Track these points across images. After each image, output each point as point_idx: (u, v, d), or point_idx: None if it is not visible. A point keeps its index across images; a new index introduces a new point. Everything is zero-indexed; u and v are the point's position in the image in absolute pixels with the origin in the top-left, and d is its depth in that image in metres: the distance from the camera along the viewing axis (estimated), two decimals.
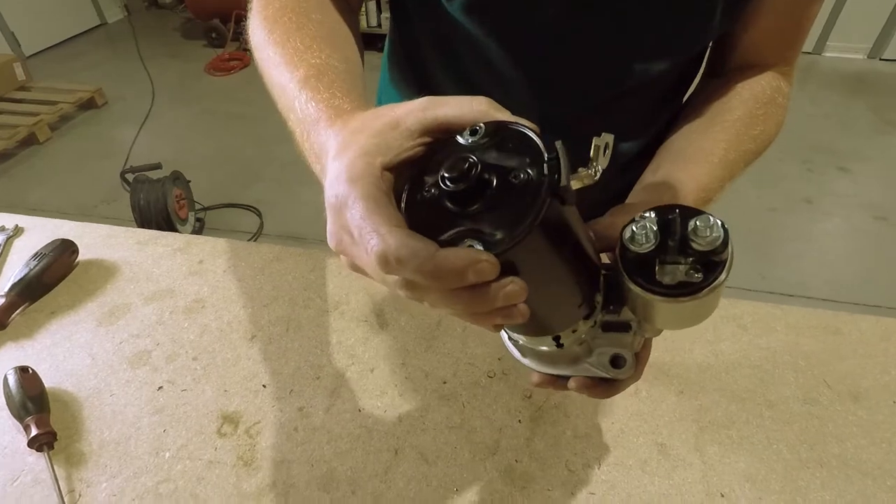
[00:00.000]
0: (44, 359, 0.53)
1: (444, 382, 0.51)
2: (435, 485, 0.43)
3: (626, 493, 0.42)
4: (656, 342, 0.53)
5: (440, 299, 0.23)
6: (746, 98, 0.46)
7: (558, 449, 0.46)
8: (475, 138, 0.23)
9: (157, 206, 1.97)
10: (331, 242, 0.25)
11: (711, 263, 0.25)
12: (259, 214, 2.30)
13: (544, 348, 0.31)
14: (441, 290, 0.22)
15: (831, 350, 0.53)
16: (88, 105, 3.17)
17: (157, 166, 2.08)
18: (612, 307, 0.30)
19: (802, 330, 0.55)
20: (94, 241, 0.68)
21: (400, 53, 0.54)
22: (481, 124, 0.24)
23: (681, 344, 0.54)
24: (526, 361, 0.35)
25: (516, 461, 0.45)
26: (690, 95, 0.51)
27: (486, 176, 0.22)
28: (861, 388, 0.49)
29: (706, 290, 0.25)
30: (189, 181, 2.18)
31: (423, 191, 0.23)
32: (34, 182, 2.58)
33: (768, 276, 1.94)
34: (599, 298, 0.29)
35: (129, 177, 2.09)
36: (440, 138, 0.25)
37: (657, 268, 0.26)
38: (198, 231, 2.18)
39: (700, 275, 0.25)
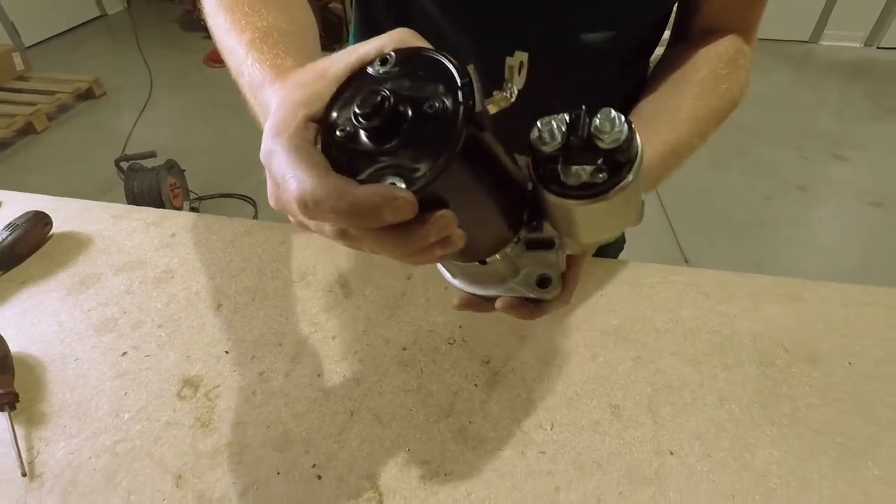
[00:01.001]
0: (11, 325, 0.54)
1: (404, 349, 0.51)
2: (388, 445, 0.44)
3: (575, 453, 0.43)
4: (616, 308, 0.54)
5: (374, 242, 0.23)
6: (711, 57, 0.46)
7: (513, 411, 0.46)
8: (386, 68, 0.23)
9: (151, 194, 1.98)
10: (270, 201, 0.25)
11: (616, 163, 0.24)
12: (254, 204, 2.30)
13: (471, 266, 0.32)
14: (370, 232, 0.22)
15: (792, 315, 0.53)
16: (87, 95, 3.18)
17: (152, 154, 2.08)
18: (534, 223, 0.30)
19: (764, 297, 0.55)
20: (70, 214, 0.69)
21: (360, 19, 0.55)
22: (391, 52, 0.23)
23: (641, 311, 0.54)
24: (456, 282, 0.35)
25: (470, 422, 0.45)
26: (658, 62, 0.52)
27: (401, 108, 0.22)
28: (818, 352, 0.49)
29: (613, 190, 0.24)
30: (184, 170, 2.18)
31: (338, 130, 0.23)
32: (30, 171, 2.59)
33: (763, 263, 1.93)
34: (525, 217, 0.29)
35: (124, 165, 2.10)
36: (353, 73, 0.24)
37: (562, 169, 0.25)
38: None
39: (604, 174, 0.24)
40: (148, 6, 4.61)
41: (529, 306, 0.34)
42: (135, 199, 2.01)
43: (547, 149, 0.25)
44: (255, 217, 2.22)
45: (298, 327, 0.54)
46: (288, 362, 0.50)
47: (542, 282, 0.32)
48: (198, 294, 0.57)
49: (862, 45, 3.38)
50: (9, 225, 0.61)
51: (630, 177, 0.24)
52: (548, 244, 0.30)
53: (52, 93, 3.01)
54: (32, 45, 3.84)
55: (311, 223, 0.24)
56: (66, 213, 0.68)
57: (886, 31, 3.26)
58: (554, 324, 0.53)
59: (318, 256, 0.61)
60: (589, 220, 0.27)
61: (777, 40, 3.42)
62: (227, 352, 0.51)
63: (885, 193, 2.21)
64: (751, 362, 0.49)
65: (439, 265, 0.35)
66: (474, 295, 0.36)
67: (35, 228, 0.63)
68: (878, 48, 3.34)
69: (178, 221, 0.67)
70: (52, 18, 3.96)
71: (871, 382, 0.47)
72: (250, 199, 2.33)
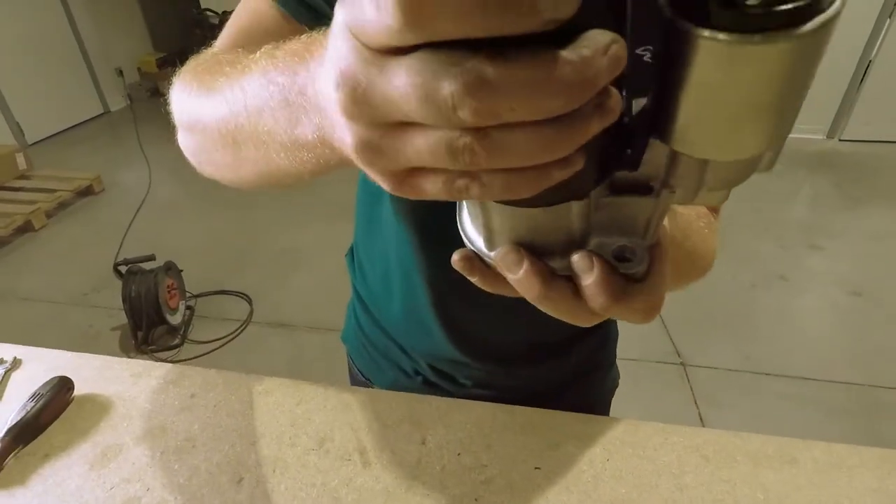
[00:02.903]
0: None
1: None
2: None
3: None
4: (623, 475, 0.56)
5: (523, 99, 0.14)
6: (690, 214, 0.42)
7: None
8: None
9: (149, 297, 2.00)
10: (339, 84, 0.16)
11: None
12: (249, 301, 2.33)
13: (531, 216, 0.21)
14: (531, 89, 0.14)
15: (788, 482, 0.56)
16: (86, 192, 3.27)
17: (151, 258, 2.13)
18: (630, 154, 0.19)
19: (761, 460, 0.58)
20: (90, 373, 0.71)
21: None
22: None
23: (647, 478, 0.57)
24: (488, 251, 0.24)
25: None
26: None
27: None
28: None
29: (820, 18, 0.14)
30: (181, 270, 2.22)
31: None
32: (26, 270, 2.61)
33: (752, 355, 1.98)
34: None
35: (123, 269, 2.13)
36: None
37: None
38: (188, 320, 2.20)
39: None
40: (149, 102, 4.85)
41: (619, 281, 0.22)
42: (131, 302, 2.02)
43: None
44: (251, 314, 2.24)
45: (320, 503, 0.55)
46: None
47: (622, 255, 0.22)
48: (219, 466, 0.59)
49: (825, 138, 3.64)
50: (34, 395, 0.64)
51: (836, 4, 0.14)
52: (644, 187, 0.20)
53: (53, 191, 3.09)
54: (36, 143, 3.98)
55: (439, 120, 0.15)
56: (86, 373, 0.71)
57: (846, 125, 3.53)
58: (563, 490, 0.56)
59: (335, 419, 0.64)
60: (743, 98, 0.15)
61: None
62: None
63: (863, 283, 2.31)
64: None
65: (467, 224, 0.25)
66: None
67: (59, 396, 0.65)
68: (839, 140, 3.60)
69: (196, 380, 0.70)
70: (56, 116, 4.14)
71: None
72: (245, 295, 2.35)
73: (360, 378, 0.75)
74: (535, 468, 0.58)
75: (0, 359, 0.73)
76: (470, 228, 0.25)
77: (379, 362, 0.71)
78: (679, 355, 1.96)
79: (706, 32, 0.14)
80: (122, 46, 4.65)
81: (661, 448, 0.60)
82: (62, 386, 0.66)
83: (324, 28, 0.22)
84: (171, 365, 0.72)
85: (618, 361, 0.76)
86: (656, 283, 0.23)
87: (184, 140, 0.37)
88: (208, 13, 3.98)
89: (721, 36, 0.14)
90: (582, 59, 0.14)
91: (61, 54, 4.17)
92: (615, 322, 0.71)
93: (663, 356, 1.96)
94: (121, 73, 4.59)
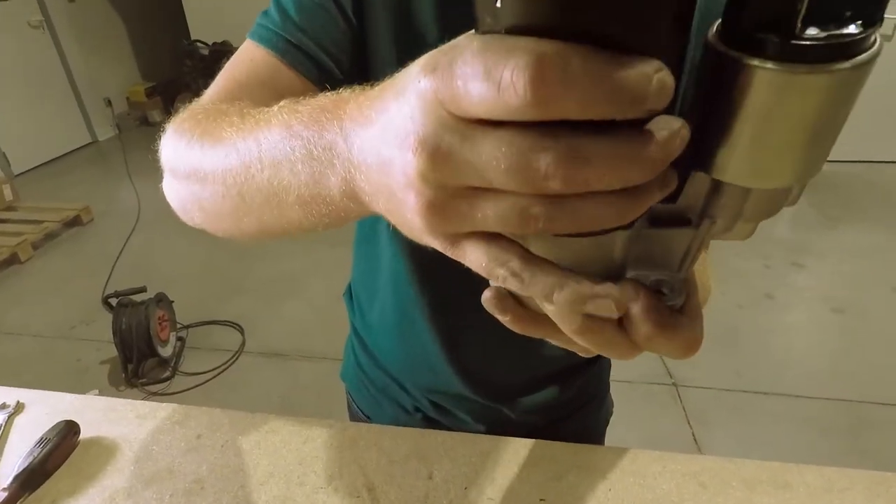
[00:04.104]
0: None
1: None
2: None
3: None
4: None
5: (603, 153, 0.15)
6: None
7: None
8: None
9: (140, 330, 1.99)
10: (417, 149, 0.17)
11: (865, 12, 0.15)
12: (241, 331, 2.31)
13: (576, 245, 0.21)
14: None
15: None
16: (74, 222, 3.24)
17: (142, 290, 2.12)
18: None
19: (755, 485, 0.60)
20: (95, 416, 0.71)
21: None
22: None
23: None
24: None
25: None
26: None
27: None
28: None
29: (866, 54, 0.15)
30: (172, 301, 2.21)
31: None
32: (12, 302, 2.58)
33: (742, 374, 2.01)
34: None
35: (113, 301, 2.12)
36: None
37: (793, 22, 0.15)
38: (178, 352, 2.18)
39: (856, 26, 0.15)
40: (138, 131, 4.85)
41: (664, 310, 0.22)
42: (122, 335, 2.00)
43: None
44: (243, 344, 2.23)
45: None
46: None
47: (659, 289, 0.22)
48: None
49: None
50: (40, 440, 0.64)
51: (878, 44, 0.16)
52: (683, 220, 0.21)
53: (40, 222, 3.07)
54: (22, 173, 3.96)
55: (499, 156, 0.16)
56: (90, 415, 0.71)
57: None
58: None
59: (342, 457, 0.65)
60: (789, 126, 0.17)
61: None
62: None
63: (845, 299, 2.37)
64: None
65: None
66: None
67: (65, 440, 0.65)
68: None
69: (202, 420, 0.70)
70: (43, 146, 4.12)
71: None
72: (237, 325, 2.34)
73: (360, 415, 0.76)
74: (540, 500, 0.60)
75: (3, 403, 0.73)
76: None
77: (379, 400, 0.72)
78: (671, 376, 1.99)
79: (761, 63, 0.15)
80: (111, 76, 4.67)
81: (661, 476, 0.62)
82: (68, 430, 0.66)
83: (345, 87, 0.23)
84: (176, 405, 0.73)
85: (613, 384, 0.78)
86: (696, 316, 0.23)
87: (174, 187, 0.36)
88: (198, 44, 4.02)
89: (771, 65, 0.15)
90: (664, 140, 0.16)
91: (48, 84, 4.17)
92: None
93: (656, 378, 1.98)
94: (109, 102, 4.60)
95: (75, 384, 2.07)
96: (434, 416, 0.69)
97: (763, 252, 2.71)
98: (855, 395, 1.89)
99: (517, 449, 0.65)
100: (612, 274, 0.22)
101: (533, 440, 0.66)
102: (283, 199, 0.25)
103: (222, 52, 4.01)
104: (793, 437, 1.75)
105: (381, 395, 0.72)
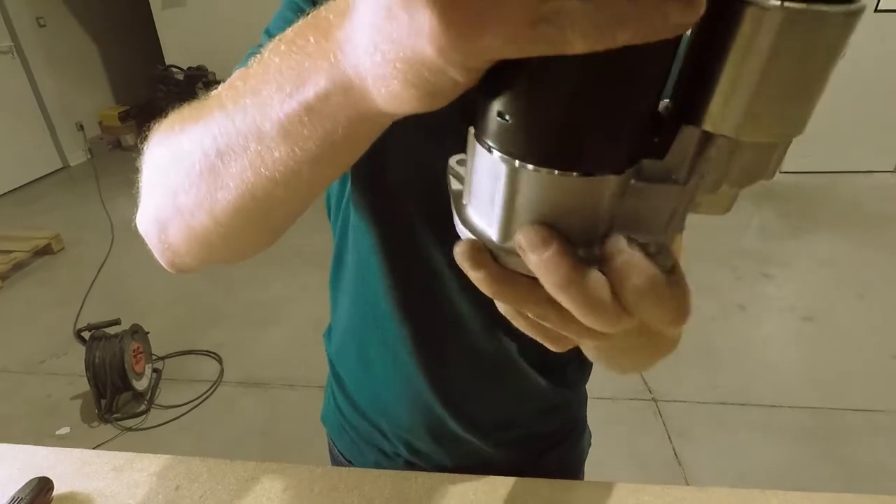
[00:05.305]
0: None
1: None
2: None
3: None
4: None
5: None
6: None
7: None
8: None
9: (114, 364, 1.95)
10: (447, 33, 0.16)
11: None
12: (219, 360, 2.28)
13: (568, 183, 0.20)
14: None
15: None
16: (44, 251, 3.16)
17: (116, 322, 2.07)
18: (658, 141, 0.20)
19: None
20: (68, 469, 0.70)
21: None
22: None
23: None
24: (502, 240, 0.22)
25: None
26: None
27: None
28: None
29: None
30: (148, 332, 2.17)
31: None
32: None
33: (719, 386, 2.05)
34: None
35: (86, 334, 2.07)
36: None
37: None
38: (154, 384, 2.13)
39: None
40: (110, 155, 4.76)
41: (653, 264, 0.20)
42: (95, 370, 1.96)
43: None
44: (221, 374, 2.19)
45: None
46: None
47: (646, 251, 0.21)
48: None
49: None
50: (12, 499, 0.62)
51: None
52: (671, 178, 0.21)
53: (9, 252, 2.99)
54: None
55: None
56: (64, 468, 0.70)
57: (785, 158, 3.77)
58: None
59: (323, 502, 0.65)
60: (783, 71, 0.17)
61: None
62: None
63: (814, 308, 2.45)
64: None
65: (474, 218, 0.23)
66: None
67: (38, 498, 0.64)
68: (780, 172, 3.84)
69: (180, 470, 0.70)
70: (12, 172, 4.02)
71: None
72: (215, 354, 2.31)
73: (341, 460, 0.76)
74: None
75: None
76: (477, 220, 0.23)
77: (359, 445, 0.72)
78: (650, 391, 2.02)
79: (765, 1, 0.16)
80: (83, 100, 4.59)
81: None
82: (41, 487, 0.65)
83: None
84: (153, 456, 0.72)
85: (593, 402, 0.79)
86: (684, 284, 0.21)
87: (149, 204, 0.34)
88: (173, 69, 3.99)
89: (773, 3, 0.16)
90: None
91: (17, 109, 4.08)
92: (585, 384, 0.75)
93: (635, 393, 2.01)
94: (81, 126, 4.52)
95: (45, 421, 2.01)
96: (413, 461, 0.70)
97: (732, 263, 2.79)
98: (827, 402, 1.95)
99: (496, 487, 0.66)
100: (597, 236, 0.21)
101: (512, 478, 0.67)
102: (264, 130, 0.24)
103: (197, 76, 3.99)
104: (770, 447, 1.79)
105: (361, 441, 0.72)
